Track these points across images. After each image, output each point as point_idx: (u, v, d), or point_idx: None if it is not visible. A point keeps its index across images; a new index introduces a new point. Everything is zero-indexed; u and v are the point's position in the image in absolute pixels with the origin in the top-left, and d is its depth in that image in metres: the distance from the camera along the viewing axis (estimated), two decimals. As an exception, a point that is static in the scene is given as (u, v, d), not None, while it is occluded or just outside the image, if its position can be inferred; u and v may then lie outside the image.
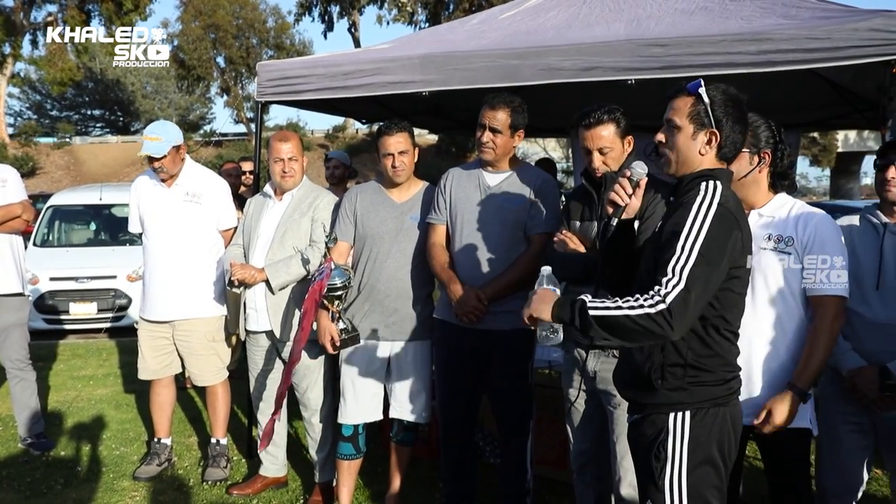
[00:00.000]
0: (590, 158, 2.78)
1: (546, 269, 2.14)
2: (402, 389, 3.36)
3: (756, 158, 2.50)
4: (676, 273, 1.86)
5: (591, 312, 1.86)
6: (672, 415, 2.01)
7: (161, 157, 3.82)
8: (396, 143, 3.26)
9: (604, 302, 1.88)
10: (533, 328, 2.04)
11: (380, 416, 3.45)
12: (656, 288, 1.86)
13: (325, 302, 3.21)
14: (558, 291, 2.03)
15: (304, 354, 3.60)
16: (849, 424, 2.75)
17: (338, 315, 3.26)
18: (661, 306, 1.82)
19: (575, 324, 1.89)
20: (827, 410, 2.77)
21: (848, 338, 2.71)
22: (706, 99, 2.02)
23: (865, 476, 2.80)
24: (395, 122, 3.32)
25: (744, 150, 2.43)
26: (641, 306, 1.83)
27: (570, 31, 3.96)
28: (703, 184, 1.99)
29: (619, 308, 1.85)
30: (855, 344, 2.70)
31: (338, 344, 3.26)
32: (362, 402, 3.37)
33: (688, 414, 2.00)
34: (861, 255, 2.72)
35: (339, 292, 3.21)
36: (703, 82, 2.04)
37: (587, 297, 1.90)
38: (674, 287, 1.84)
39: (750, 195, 2.52)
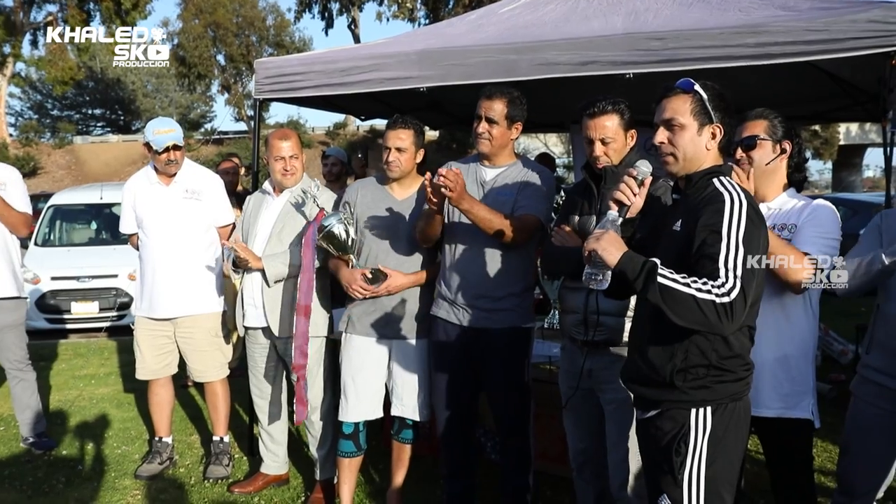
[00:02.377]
0: (591, 148, 2.77)
1: (613, 214, 2.14)
2: (403, 387, 3.35)
3: (778, 148, 2.53)
4: (730, 270, 1.86)
5: (660, 280, 1.85)
6: (694, 410, 2.03)
7: (183, 145, 3.92)
8: (396, 137, 3.25)
9: (673, 273, 1.87)
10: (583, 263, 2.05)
11: (380, 414, 3.45)
12: (721, 280, 1.85)
13: (333, 250, 3.24)
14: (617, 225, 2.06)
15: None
16: (883, 419, 2.64)
17: (352, 264, 3.30)
18: (727, 299, 1.83)
19: (636, 282, 1.89)
20: (859, 408, 2.72)
21: (883, 336, 2.63)
22: (704, 95, 2.04)
23: (892, 473, 2.74)
24: (405, 118, 3.29)
25: (765, 139, 2.50)
26: (710, 292, 1.83)
27: (568, 24, 3.95)
28: (717, 181, 2.01)
29: (688, 286, 1.84)
30: (892, 342, 2.60)
31: (365, 285, 3.20)
32: (363, 400, 3.36)
33: (709, 410, 2.02)
34: None
35: (343, 237, 3.22)
36: (693, 80, 2.06)
37: (658, 261, 1.89)
38: (733, 286, 1.84)
39: (765, 185, 2.55)
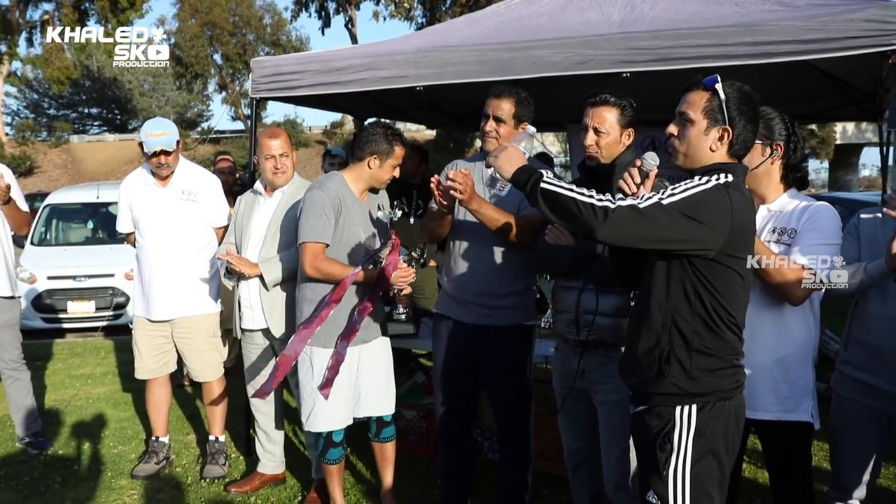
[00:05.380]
0: (585, 136, 2.77)
1: (531, 129, 2.36)
2: (375, 387, 3.35)
3: (768, 150, 2.51)
4: (642, 199, 1.93)
5: (543, 185, 1.98)
6: (679, 408, 2.04)
7: (172, 150, 3.87)
8: (403, 155, 3.29)
9: (561, 182, 1.99)
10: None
11: (351, 420, 3.39)
12: (618, 197, 1.95)
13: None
14: (527, 155, 2.24)
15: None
16: (864, 414, 2.68)
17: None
18: (609, 205, 1.90)
19: (525, 189, 2.04)
20: (842, 405, 2.75)
21: (860, 332, 2.66)
22: (722, 95, 2.03)
23: (874, 466, 2.75)
24: (402, 136, 3.30)
25: (756, 141, 2.44)
26: (591, 197, 1.93)
27: (564, 15, 3.95)
28: (715, 175, 2.01)
29: (572, 191, 1.95)
30: (869, 339, 2.63)
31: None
32: (349, 405, 3.33)
33: (694, 407, 2.03)
34: (883, 246, 2.61)
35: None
36: (719, 78, 2.05)
37: (548, 173, 2.02)
38: (625, 202, 1.92)
39: (761, 187, 2.54)
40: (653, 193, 1.94)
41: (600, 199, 1.90)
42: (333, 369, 3.16)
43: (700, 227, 1.91)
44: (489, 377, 3.19)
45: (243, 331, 3.73)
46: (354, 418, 3.38)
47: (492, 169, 2.21)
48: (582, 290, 2.73)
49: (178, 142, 3.93)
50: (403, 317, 3.28)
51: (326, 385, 3.17)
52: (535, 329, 3.31)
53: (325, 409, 3.25)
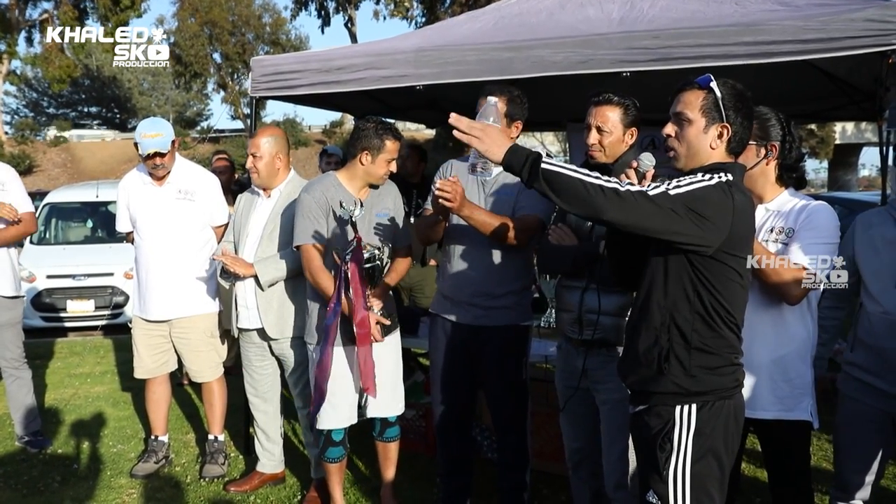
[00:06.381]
0: (588, 133, 2.77)
1: (493, 99, 2.26)
2: (382, 387, 3.30)
3: (763, 150, 2.50)
4: (650, 188, 1.91)
5: (544, 166, 1.91)
6: (678, 407, 2.03)
7: (167, 152, 3.84)
8: (398, 149, 3.26)
9: (561, 163, 1.94)
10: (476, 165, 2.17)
11: (356, 419, 3.39)
12: (626, 182, 1.94)
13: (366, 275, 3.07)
14: (500, 125, 2.12)
15: (297, 353, 3.59)
16: (869, 415, 2.68)
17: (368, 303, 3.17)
18: (618, 186, 1.88)
19: (522, 172, 1.95)
20: (846, 405, 2.75)
21: (864, 334, 2.67)
22: (718, 93, 2.03)
23: (877, 467, 2.76)
24: (400, 135, 3.28)
25: (751, 142, 2.43)
26: (598, 178, 1.90)
27: (564, 13, 3.94)
28: (718, 174, 2.01)
29: (577, 172, 1.90)
30: (872, 341, 2.64)
31: (379, 338, 3.18)
32: (352, 404, 3.32)
33: (694, 407, 2.02)
34: (881, 248, 2.65)
35: (367, 265, 3.10)
36: (712, 77, 2.05)
37: (545, 154, 1.95)
38: (639, 188, 1.90)
39: (758, 187, 2.53)
40: (659, 183, 1.94)
41: (608, 181, 1.88)
42: (368, 366, 3.15)
43: (701, 223, 1.91)
44: (485, 377, 3.18)
45: (240, 330, 3.73)
46: (360, 418, 3.37)
47: (471, 157, 2.14)
48: (585, 289, 2.73)
49: (173, 142, 3.89)
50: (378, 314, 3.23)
51: (368, 385, 3.17)
52: (531, 329, 3.31)
53: (327, 408, 3.25)
